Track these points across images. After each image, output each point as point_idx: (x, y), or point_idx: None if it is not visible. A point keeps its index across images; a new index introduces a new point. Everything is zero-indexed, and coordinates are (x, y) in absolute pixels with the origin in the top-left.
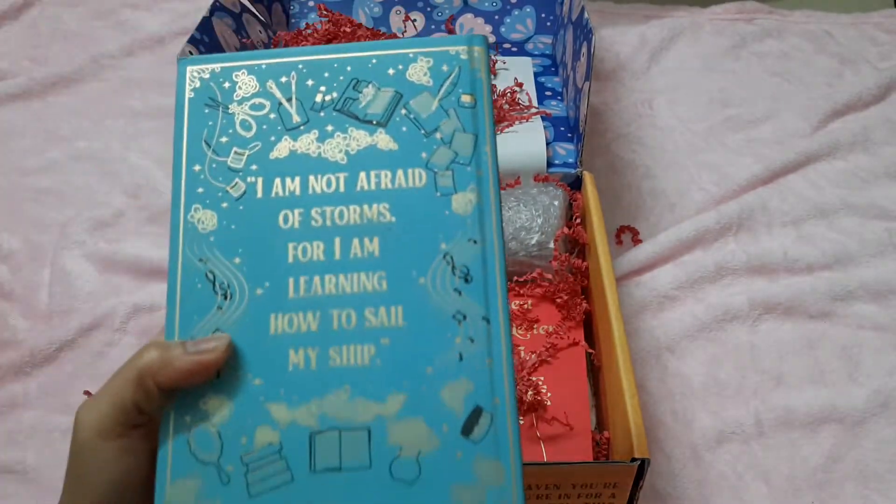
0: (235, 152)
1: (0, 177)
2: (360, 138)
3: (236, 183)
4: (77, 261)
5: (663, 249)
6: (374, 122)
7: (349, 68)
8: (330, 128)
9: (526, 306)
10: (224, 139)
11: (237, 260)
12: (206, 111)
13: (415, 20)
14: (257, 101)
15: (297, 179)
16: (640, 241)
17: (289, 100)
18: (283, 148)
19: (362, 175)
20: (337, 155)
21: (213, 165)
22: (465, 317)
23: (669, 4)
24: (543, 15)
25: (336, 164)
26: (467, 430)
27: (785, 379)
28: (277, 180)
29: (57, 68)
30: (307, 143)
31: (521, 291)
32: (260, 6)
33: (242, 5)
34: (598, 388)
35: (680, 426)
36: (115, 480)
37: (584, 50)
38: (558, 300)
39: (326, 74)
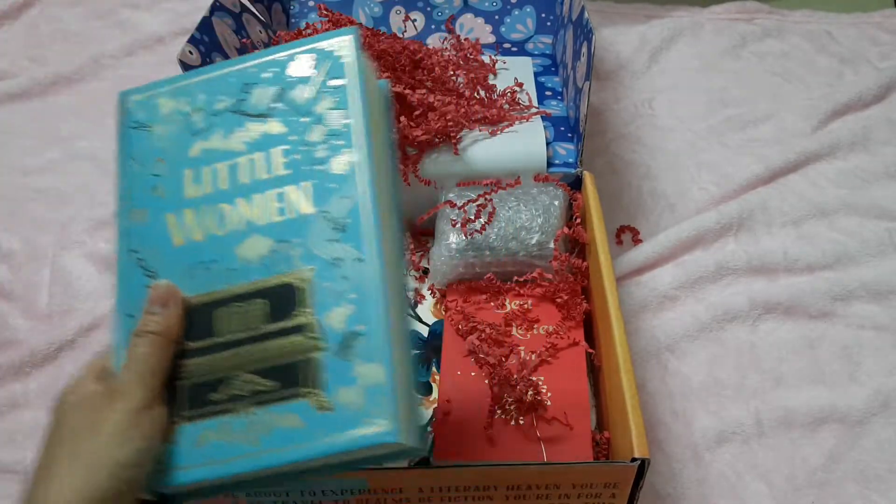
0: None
1: (0, 177)
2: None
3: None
4: (77, 261)
5: (663, 249)
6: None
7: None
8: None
9: (526, 306)
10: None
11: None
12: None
13: (415, 20)
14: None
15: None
16: (641, 241)
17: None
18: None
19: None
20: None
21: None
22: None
23: (669, 4)
24: (543, 15)
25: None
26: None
27: (785, 379)
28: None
29: (57, 68)
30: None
31: (521, 291)
32: (260, 6)
33: (242, 5)
34: (598, 388)
35: (680, 426)
36: None
37: (584, 50)
38: (558, 300)
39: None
